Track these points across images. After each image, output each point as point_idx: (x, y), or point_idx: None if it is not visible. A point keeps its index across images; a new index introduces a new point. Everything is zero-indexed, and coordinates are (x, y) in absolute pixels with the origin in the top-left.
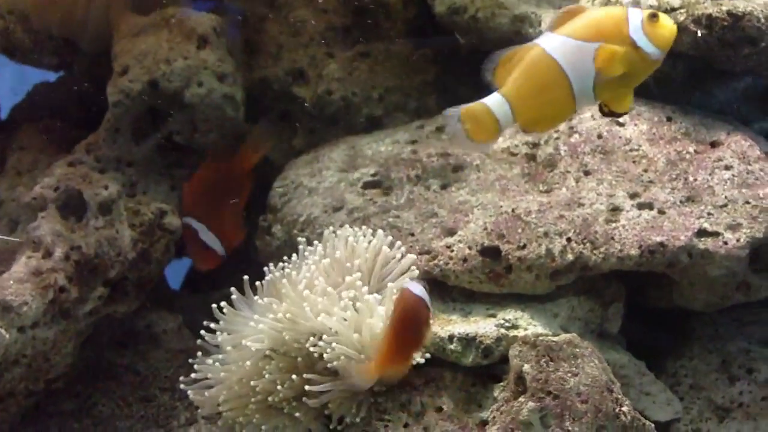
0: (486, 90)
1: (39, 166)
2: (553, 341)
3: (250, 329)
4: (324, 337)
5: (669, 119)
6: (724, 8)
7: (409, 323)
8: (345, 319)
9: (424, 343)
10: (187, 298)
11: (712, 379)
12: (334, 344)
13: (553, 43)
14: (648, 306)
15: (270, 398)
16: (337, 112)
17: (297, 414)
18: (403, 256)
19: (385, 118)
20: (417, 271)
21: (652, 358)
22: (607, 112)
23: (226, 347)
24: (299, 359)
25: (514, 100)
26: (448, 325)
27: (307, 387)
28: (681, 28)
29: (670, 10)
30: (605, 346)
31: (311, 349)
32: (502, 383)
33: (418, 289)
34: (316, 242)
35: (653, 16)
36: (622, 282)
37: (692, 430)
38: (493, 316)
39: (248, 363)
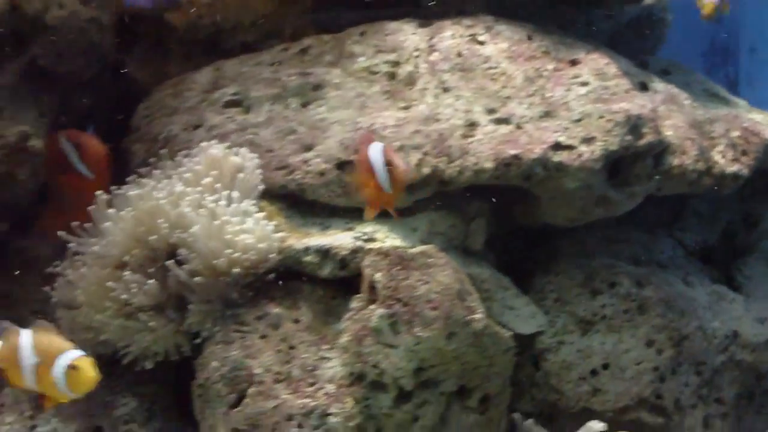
0: None
1: None
2: (406, 251)
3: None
4: (181, 250)
5: (529, 38)
6: None
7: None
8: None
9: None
10: None
11: (575, 293)
12: (192, 254)
13: None
14: (516, 224)
15: (127, 306)
16: (209, 37)
17: (152, 324)
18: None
19: (259, 45)
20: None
21: (523, 275)
22: None
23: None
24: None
25: None
26: (305, 238)
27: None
28: None
29: None
30: (468, 261)
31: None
32: (358, 295)
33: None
34: (179, 157)
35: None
36: (487, 200)
37: (556, 342)
38: (351, 229)
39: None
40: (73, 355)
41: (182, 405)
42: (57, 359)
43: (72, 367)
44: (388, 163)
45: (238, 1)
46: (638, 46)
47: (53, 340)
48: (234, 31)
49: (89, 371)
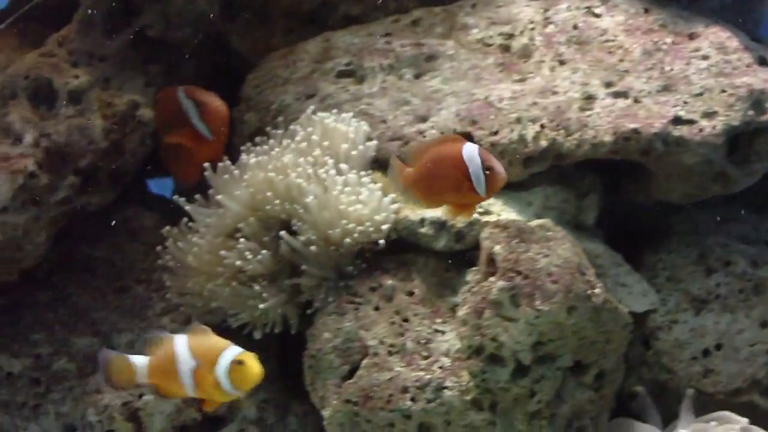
0: None
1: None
2: (525, 224)
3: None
4: (294, 221)
5: (646, 11)
6: None
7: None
8: (317, 197)
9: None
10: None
11: (689, 271)
12: (305, 225)
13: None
14: (626, 201)
15: (240, 274)
16: (314, 9)
17: (265, 294)
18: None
19: (363, 18)
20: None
21: (631, 253)
22: None
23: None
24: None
25: None
26: (420, 210)
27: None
28: None
29: None
30: (581, 237)
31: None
32: (475, 268)
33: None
34: (292, 126)
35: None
36: (598, 175)
37: (669, 321)
38: None
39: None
40: (235, 351)
41: (286, 378)
42: (219, 358)
43: (237, 363)
44: (488, 168)
45: None
46: (739, 27)
47: (210, 340)
48: (339, 3)
49: (254, 366)
